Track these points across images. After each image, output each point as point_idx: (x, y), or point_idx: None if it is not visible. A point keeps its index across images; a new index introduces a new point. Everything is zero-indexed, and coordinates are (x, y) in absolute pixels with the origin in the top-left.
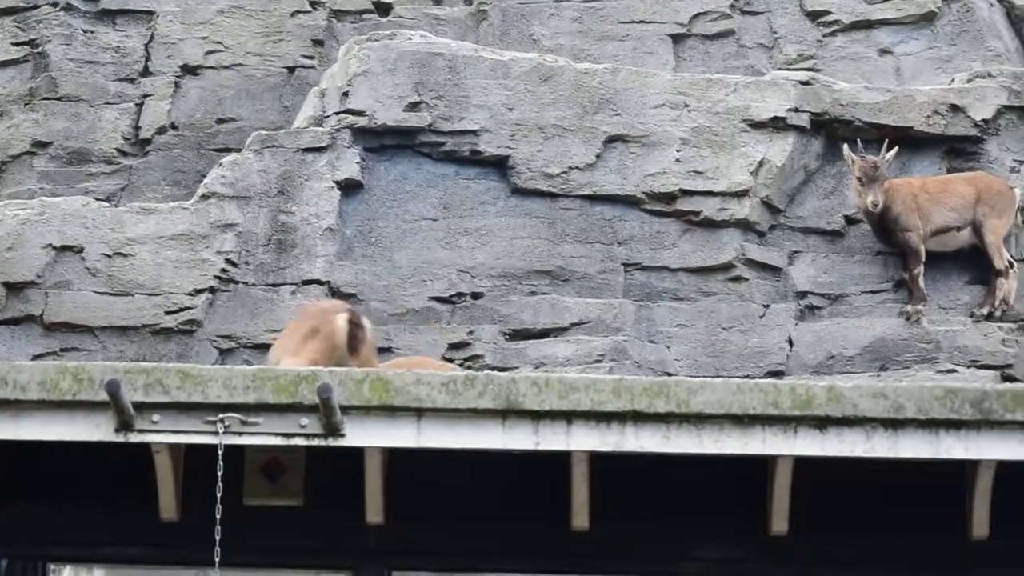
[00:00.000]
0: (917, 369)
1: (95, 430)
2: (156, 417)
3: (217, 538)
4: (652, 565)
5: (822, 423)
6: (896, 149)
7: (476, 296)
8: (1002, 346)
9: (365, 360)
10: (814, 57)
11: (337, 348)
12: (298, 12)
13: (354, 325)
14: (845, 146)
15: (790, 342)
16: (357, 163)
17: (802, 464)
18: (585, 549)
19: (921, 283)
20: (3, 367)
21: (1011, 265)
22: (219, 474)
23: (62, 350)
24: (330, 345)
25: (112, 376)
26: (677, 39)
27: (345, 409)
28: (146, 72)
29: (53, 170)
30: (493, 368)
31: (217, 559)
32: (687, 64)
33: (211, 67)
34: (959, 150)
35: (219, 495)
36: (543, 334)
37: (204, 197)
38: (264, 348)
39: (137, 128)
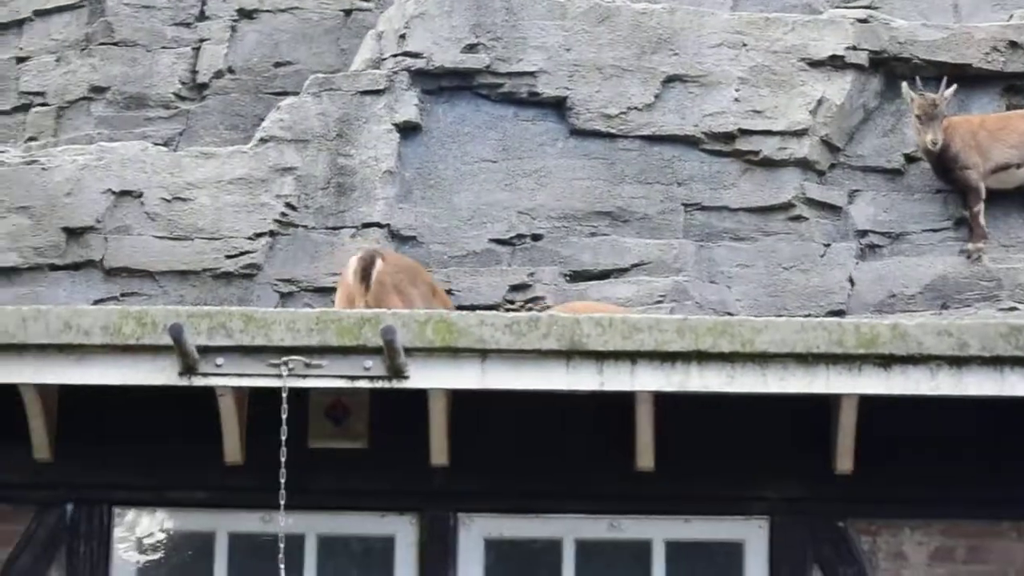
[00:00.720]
0: (978, 307)
1: (159, 374)
2: (220, 360)
3: (282, 481)
4: (717, 505)
5: (886, 361)
6: (955, 87)
7: (536, 238)
8: None
9: (376, 296)
10: None
11: (349, 287)
12: None
13: (363, 261)
14: (904, 84)
15: (851, 281)
16: (415, 105)
17: (866, 402)
18: (650, 490)
19: (982, 221)
20: (67, 312)
21: None
22: (283, 417)
23: (123, 295)
24: (344, 286)
25: (175, 320)
26: None
27: (409, 351)
28: (202, 16)
29: (111, 115)
30: None
31: (282, 502)
32: (745, 3)
33: (267, 10)
34: (1018, 87)
35: (283, 438)
36: (604, 275)
37: (263, 141)
38: (325, 291)
39: (194, 72)
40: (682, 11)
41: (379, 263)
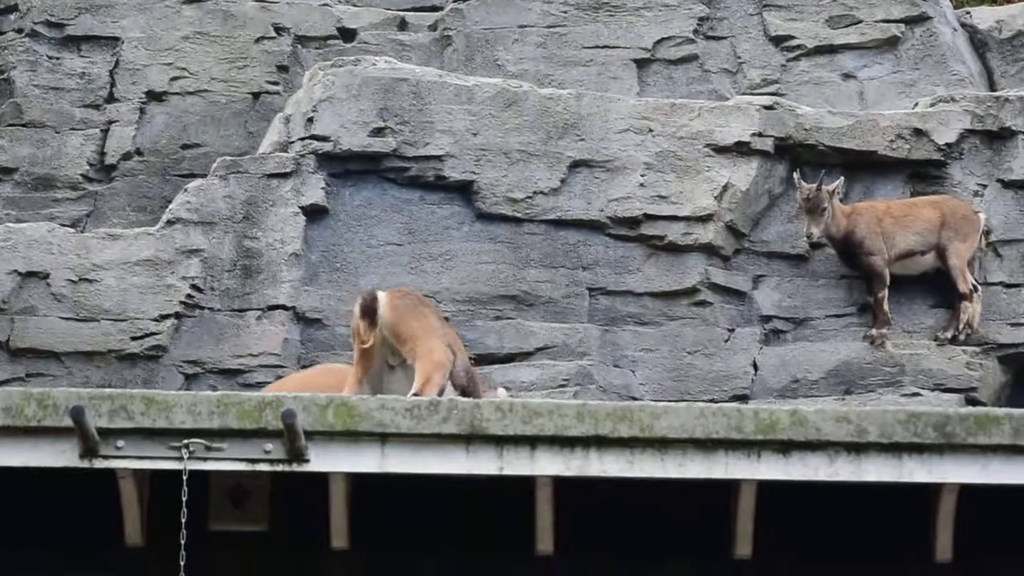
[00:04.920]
0: (881, 393)
1: (60, 456)
2: (121, 443)
3: (182, 563)
4: None
5: (785, 447)
6: (841, 179)
7: None
8: (966, 369)
9: (397, 321)
10: (778, 82)
11: (355, 326)
12: (263, 38)
13: (364, 300)
14: (795, 173)
15: (755, 366)
16: (322, 188)
17: (766, 488)
18: (549, 574)
19: (885, 307)
20: None
21: (975, 289)
22: (184, 499)
23: (28, 375)
24: (352, 327)
25: (76, 402)
26: (641, 64)
27: (309, 434)
28: (111, 98)
29: (18, 196)
30: None
31: None
32: (651, 89)
33: (176, 93)
34: (923, 174)
35: (184, 520)
36: (508, 359)
37: (169, 223)
38: (230, 373)
39: (102, 154)
40: (588, 97)
41: (382, 297)
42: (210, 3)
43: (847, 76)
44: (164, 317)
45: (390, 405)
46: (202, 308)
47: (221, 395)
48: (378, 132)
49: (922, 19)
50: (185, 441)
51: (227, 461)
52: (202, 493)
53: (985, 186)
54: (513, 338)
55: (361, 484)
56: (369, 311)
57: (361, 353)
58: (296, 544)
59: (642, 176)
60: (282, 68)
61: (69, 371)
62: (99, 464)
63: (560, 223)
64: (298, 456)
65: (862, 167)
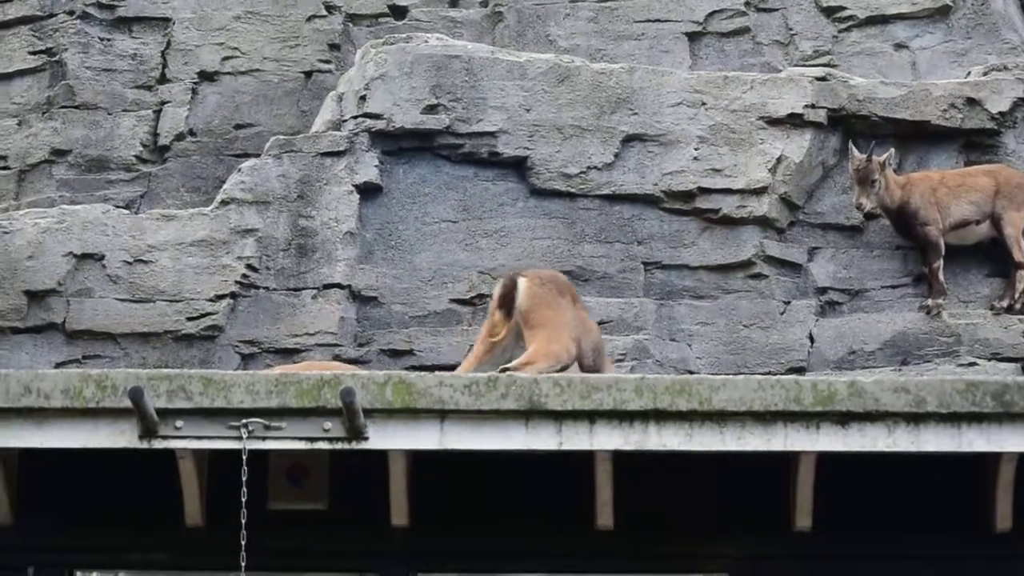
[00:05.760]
0: (938, 363)
1: (119, 437)
2: (180, 423)
3: (242, 543)
4: (676, 562)
5: (844, 419)
6: (892, 151)
7: None
8: (1022, 338)
9: (529, 310)
10: (830, 53)
11: (491, 324)
12: (314, 17)
13: (504, 287)
14: (850, 143)
15: (811, 338)
16: (376, 166)
17: (825, 460)
18: (609, 548)
19: (941, 277)
20: (27, 376)
21: None
22: (243, 479)
23: (84, 358)
24: (489, 314)
25: (135, 383)
26: (693, 37)
27: (368, 412)
28: (163, 79)
29: (72, 178)
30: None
31: (243, 564)
32: (703, 62)
33: (228, 73)
34: (976, 143)
35: (243, 500)
36: None
37: (224, 203)
38: (286, 352)
39: (155, 135)
40: (641, 71)
41: (522, 284)
42: None
43: (899, 46)
44: (220, 297)
45: (448, 382)
46: (257, 288)
47: (279, 374)
48: (431, 109)
49: None
50: (244, 420)
51: (286, 440)
52: (261, 472)
53: None
54: None
55: (420, 461)
56: (507, 300)
57: (489, 341)
58: (356, 522)
59: (696, 149)
60: (334, 46)
61: (126, 352)
62: (158, 445)
63: (614, 198)
64: (357, 434)
65: (916, 137)
